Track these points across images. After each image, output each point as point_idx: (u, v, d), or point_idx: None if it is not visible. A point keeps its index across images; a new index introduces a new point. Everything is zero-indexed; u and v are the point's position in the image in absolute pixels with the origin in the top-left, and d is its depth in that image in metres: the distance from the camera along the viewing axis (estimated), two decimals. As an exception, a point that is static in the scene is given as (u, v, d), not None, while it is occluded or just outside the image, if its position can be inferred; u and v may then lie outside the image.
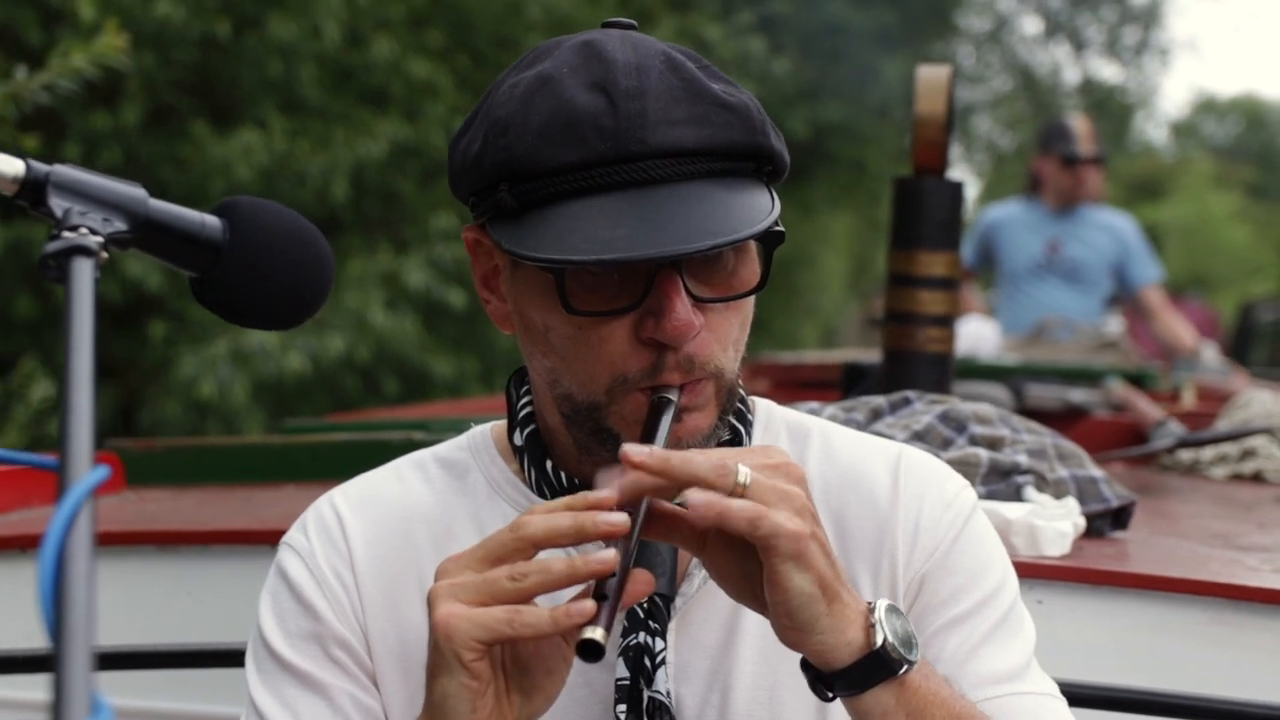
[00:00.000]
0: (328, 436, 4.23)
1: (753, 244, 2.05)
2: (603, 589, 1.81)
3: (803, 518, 1.84)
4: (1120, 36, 27.97)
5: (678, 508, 1.85)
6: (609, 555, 1.81)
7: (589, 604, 1.80)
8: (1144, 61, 29.81)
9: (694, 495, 1.80)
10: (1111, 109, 26.47)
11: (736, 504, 1.81)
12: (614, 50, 2.04)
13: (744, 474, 1.83)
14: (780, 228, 2.04)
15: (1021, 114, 27.81)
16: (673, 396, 2.01)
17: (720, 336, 2.05)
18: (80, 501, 1.38)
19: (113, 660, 2.93)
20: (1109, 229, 8.95)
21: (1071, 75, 27.41)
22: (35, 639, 2.85)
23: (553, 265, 1.99)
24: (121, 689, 2.99)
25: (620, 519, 1.82)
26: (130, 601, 3.05)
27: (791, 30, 16.97)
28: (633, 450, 1.82)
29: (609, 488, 1.83)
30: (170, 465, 3.93)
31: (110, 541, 3.04)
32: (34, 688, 2.99)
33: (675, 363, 2.01)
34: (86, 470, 1.43)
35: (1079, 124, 9.01)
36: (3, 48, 8.88)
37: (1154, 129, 40.30)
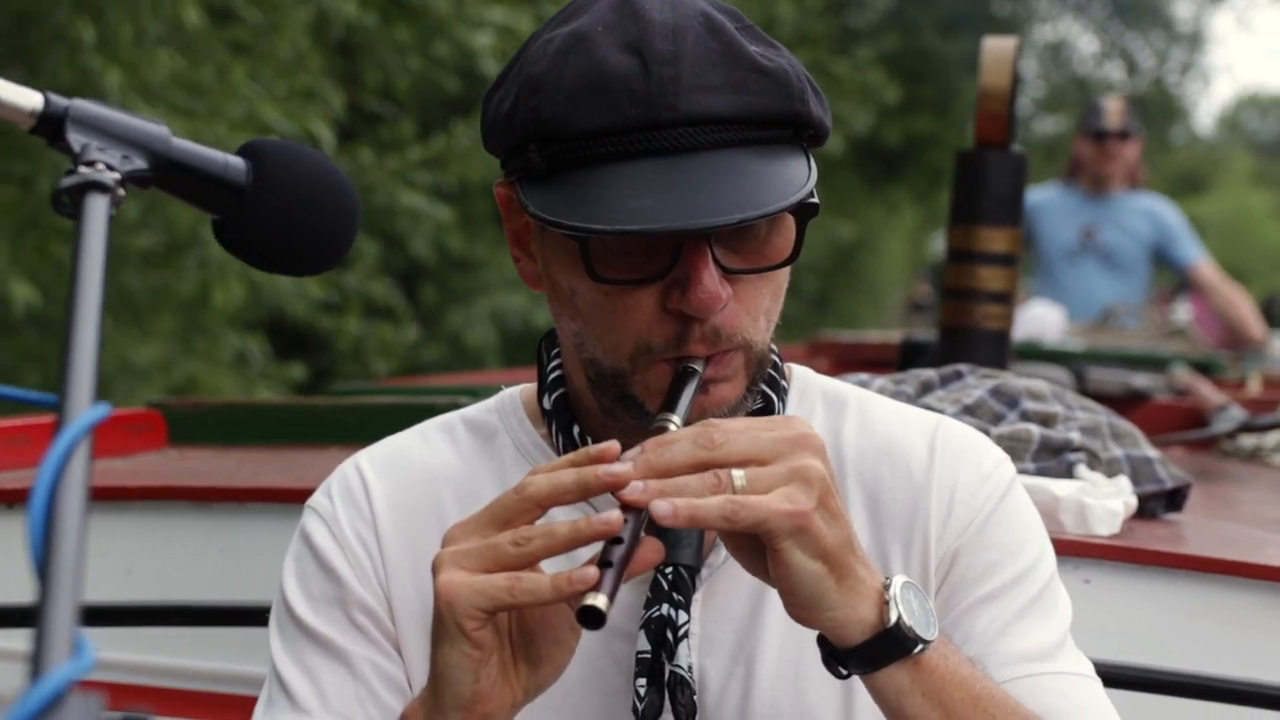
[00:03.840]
0: (373, 399, 4.20)
1: (787, 214, 1.97)
2: (609, 556, 1.75)
3: (809, 492, 1.78)
4: (1168, 57, 28.52)
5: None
6: (614, 516, 1.75)
7: (591, 570, 1.74)
8: (1186, 82, 30.49)
9: (659, 506, 1.75)
10: (1155, 113, 27.09)
11: (707, 503, 1.76)
12: (651, 9, 1.97)
13: (740, 480, 1.78)
14: (815, 199, 1.98)
15: (1071, 110, 28.42)
16: (698, 367, 1.96)
17: (750, 307, 1.99)
18: (75, 440, 1.34)
19: (143, 615, 2.90)
20: (1146, 214, 8.82)
21: (1120, 88, 27.97)
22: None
23: (576, 233, 1.93)
24: (151, 645, 2.96)
25: (624, 469, 1.77)
26: (162, 557, 3.02)
27: (892, 57, 19.71)
28: (626, 493, 1.77)
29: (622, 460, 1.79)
30: (215, 425, 3.89)
31: (143, 496, 3.02)
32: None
33: (701, 334, 1.95)
34: (86, 408, 1.38)
35: (1111, 102, 8.94)
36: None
37: (1188, 139, 40.64)
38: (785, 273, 2.03)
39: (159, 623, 2.93)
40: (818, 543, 1.79)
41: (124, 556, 3.04)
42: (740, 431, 1.81)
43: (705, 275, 1.92)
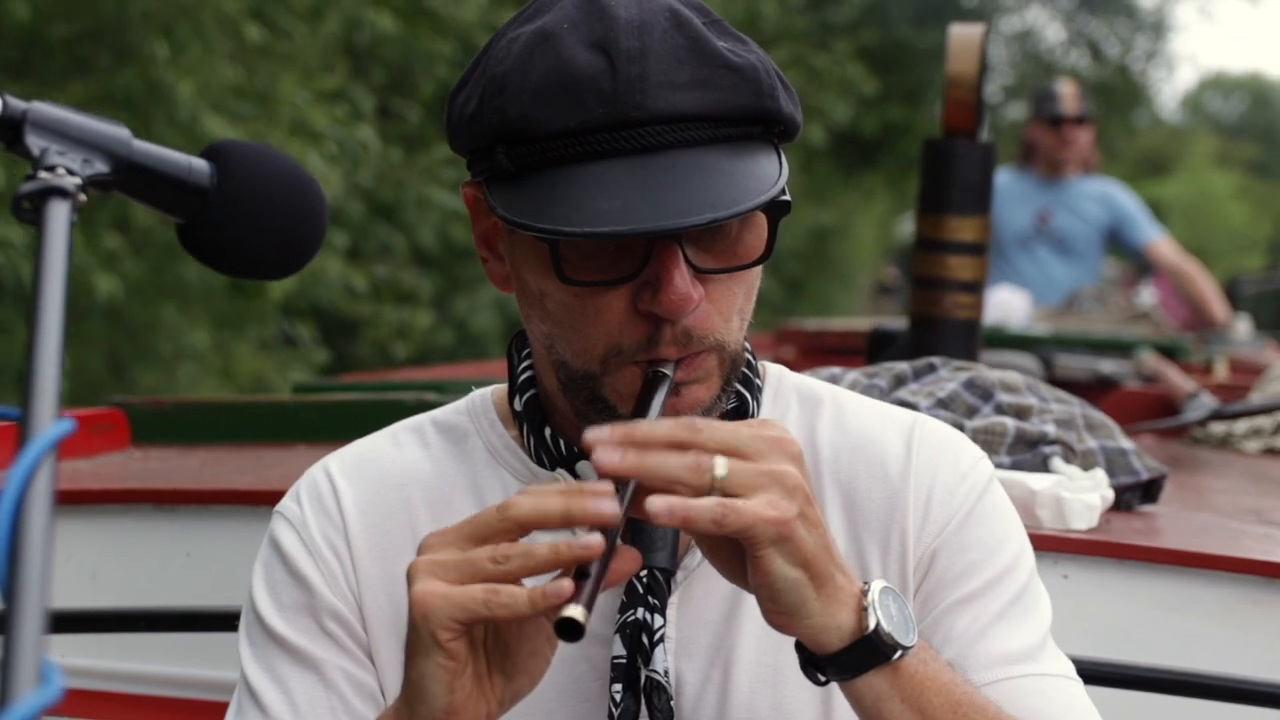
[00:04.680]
0: (339, 396, 4.16)
1: (759, 212, 1.94)
2: (586, 566, 1.72)
3: (791, 499, 1.75)
4: (1133, 46, 28.88)
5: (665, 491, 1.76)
6: (595, 540, 1.71)
7: (566, 583, 1.71)
8: (1150, 70, 30.89)
9: (654, 503, 1.72)
10: (1119, 98, 27.50)
11: (699, 505, 1.72)
12: (617, 4, 1.94)
13: (721, 468, 1.74)
14: (787, 196, 1.95)
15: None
16: (668, 370, 1.93)
17: (722, 308, 1.96)
18: (40, 456, 1.30)
19: (108, 621, 2.86)
20: (1099, 198, 8.81)
21: (1086, 75, 28.40)
22: None
23: (545, 236, 1.90)
24: (117, 651, 2.92)
25: (611, 509, 1.72)
26: (126, 561, 2.98)
27: (868, 50, 20.90)
28: (604, 458, 1.73)
29: (602, 484, 1.75)
30: (178, 424, 3.84)
31: (107, 499, 2.98)
32: None
33: (672, 336, 1.92)
34: (49, 423, 1.35)
35: (1065, 86, 8.93)
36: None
37: (1151, 122, 40.97)
38: (758, 271, 2.01)
39: (125, 628, 2.89)
40: (799, 550, 1.76)
41: (88, 561, 2.99)
42: (720, 425, 1.79)
43: (676, 276, 1.89)
